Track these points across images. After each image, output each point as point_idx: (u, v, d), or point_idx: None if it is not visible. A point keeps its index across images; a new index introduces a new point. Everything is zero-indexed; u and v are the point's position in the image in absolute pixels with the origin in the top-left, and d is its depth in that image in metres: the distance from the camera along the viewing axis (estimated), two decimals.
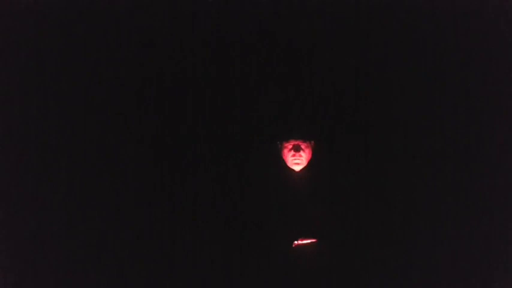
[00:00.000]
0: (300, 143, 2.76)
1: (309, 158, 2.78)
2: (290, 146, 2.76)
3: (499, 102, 2.88)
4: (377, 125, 2.94)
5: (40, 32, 2.91)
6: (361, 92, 2.96)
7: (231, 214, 2.83)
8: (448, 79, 2.92)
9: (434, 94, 2.92)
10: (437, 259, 2.78)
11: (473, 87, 2.90)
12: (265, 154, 2.84)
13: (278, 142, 2.79)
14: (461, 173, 2.86)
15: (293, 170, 2.79)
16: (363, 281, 2.72)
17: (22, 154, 2.86)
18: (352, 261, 2.73)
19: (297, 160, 2.76)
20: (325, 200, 2.76)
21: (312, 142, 2.79)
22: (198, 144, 2.94)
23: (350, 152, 2.90)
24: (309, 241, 2.69)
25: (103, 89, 2.94)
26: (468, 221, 2.81)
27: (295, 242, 2.69)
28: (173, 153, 2.94)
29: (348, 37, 2.98)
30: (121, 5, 2.94)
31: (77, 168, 2.88)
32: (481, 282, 2.75)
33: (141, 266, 2.81)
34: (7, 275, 2.76)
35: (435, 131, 2.90)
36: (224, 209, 2.85)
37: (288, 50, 2.99)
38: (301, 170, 2.79)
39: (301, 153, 2.75)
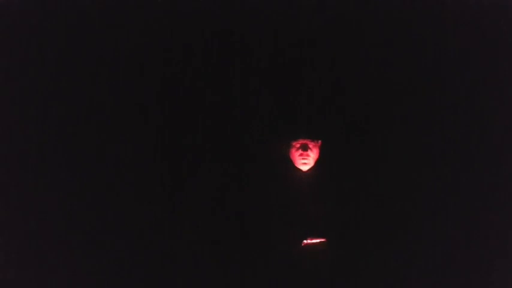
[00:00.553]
0: (308, 142, 2.77)
1: (317, 157, 2.80)
2: (298, 145, 2.77)
3: (499, 102, 2.88)
4: (383, 125, 2.94)
5: (40, 31, 2.91)
6: (366, 91, 2.95)
7: (238, 214, 2.83)
8: (448, 79, 2.92)
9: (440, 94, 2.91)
10: (439, 259, 2.78)
11: (473, 87, 2.91)
12: (273, 154, 2.85)
13: (286, 142, 2.80)
14: (466, 173, 2.86)
15: (300, 170, 2.80)
16: (370, 280, 2.73)
17: (22, 154, 2.86)
18: (360, 260, 2.74)
19: (305, 160, 2.77)
20: (332, 199, 2.77)
21: (320, 141, 2.81)
22: (202, 144, 2.94)
23: (356, 151, 2.90)
24: (318, 240, 2.70)
25: (103, 89, 2.94)
26: (468, 220, 2.81)
27: (304, 241, 2.70)
28: (173, 154, 2.94)
29: (347, 37, 2.98)
30: (121, 5, 2.95)
31: (77, 168, 2.88)
32: (481, 282, 2.75)
33: (144, 266, 2.81)
34: (7, 275, 2.76)
35: (442, 131, 2.90)
36: (231, 209, 2.85)
37: (289, 51, 2.99)
38: (309, 169, 2.80)
39: (309, 152, 2.77)
